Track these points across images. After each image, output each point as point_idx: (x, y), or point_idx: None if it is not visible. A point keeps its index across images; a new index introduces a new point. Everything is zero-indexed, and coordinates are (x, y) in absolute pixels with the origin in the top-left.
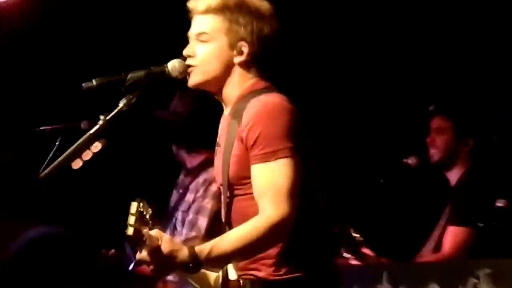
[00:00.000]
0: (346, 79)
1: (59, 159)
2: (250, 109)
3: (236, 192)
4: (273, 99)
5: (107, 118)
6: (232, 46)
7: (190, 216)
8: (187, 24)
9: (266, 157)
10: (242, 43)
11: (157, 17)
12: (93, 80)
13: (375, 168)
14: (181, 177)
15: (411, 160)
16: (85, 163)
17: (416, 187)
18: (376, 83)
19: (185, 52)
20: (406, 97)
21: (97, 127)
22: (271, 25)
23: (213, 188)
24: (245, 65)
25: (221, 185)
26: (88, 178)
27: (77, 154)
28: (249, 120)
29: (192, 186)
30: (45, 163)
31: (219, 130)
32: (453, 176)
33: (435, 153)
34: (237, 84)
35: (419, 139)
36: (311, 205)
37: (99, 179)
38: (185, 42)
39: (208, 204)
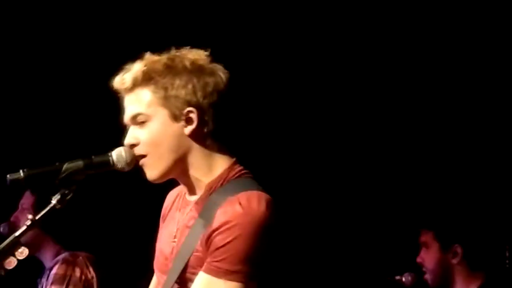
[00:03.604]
0: (336, 181)
1: None
2: (226, 210)
3: None
4: (255, 208)
5: (36, 218)
6: (177, 116)
7: None
8: None
9: (219, 273)
10: (188, 108)
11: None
12: (20, 171)
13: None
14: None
15: (405, 278)
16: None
17: None
18: (368, 190)
19: (126, 141)
20: (398, 208)
21: (23, 228)
22: (216, 77)
23: (53, 271)
24: (200, 135)
25: (164, 277)
26: None
27: None
28: (223, 224)
29: None
30: None
31: (171, 208)
32: None
33: (428, 277)
34: (203, 165)
35: (415, 254)
36: None
37: None
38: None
39: None
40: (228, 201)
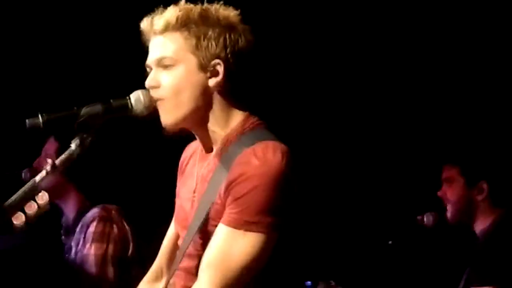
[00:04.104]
0: (356, 124)
1: None
2: (243, 161)
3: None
4: (271, 159)
5: (56, 163)
6: (204, 66)
7: None
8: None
9: (238, 224)
10: (216, 61)
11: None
12: (39, 116)
13: (385, 227)
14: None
15: (427, 218)
16: (29, 218)
17: (433, 249)
18: (385, 132)
19: (147, 83)
20: (418, 146)
21: (43, 173)
22: (245, 36)
23: (91, 229)
24: (222, 89)
25: (184, 231)
26: None
27: (18, 206)
28: (240, 176)
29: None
30: None
31: (188, 162)
32: (478, 231)
33: (448, 210)
34: (220, 118)
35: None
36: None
37: None
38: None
39: (90, 249)
40: (244, 153)
